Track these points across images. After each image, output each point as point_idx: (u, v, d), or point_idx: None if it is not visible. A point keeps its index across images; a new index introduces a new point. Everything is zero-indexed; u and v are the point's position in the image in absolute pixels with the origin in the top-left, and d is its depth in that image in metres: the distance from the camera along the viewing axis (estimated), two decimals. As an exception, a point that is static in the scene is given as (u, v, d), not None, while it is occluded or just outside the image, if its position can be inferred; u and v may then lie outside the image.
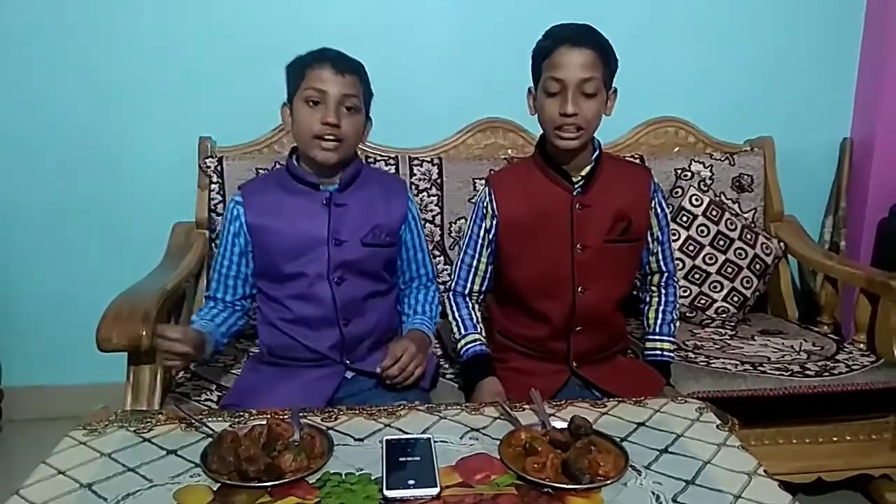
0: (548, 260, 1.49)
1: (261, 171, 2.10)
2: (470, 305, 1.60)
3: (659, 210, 1.56)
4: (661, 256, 1.60)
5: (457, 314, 1.59)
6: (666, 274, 1.62)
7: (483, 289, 1.61)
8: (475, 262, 1.57)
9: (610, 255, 1.49)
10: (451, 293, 1.62)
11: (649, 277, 1.64)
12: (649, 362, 1.59)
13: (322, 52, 1.45)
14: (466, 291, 1.60)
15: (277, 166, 2.14)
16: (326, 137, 1.42)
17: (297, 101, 1.44)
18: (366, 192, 1.53)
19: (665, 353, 1.60)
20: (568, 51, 1.37)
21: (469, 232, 1.58)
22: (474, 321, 1.58)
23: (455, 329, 1.58)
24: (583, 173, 1.47)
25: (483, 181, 2.21)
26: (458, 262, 1.60)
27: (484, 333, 1.59)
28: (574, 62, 1.36)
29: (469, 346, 1.54)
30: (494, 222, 1.53)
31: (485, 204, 1.54)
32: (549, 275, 1.49)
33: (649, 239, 1.57)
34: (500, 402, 1.25)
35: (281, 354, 1.53)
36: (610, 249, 1.49)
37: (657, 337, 1.61)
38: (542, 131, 1.49)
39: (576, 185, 1.47)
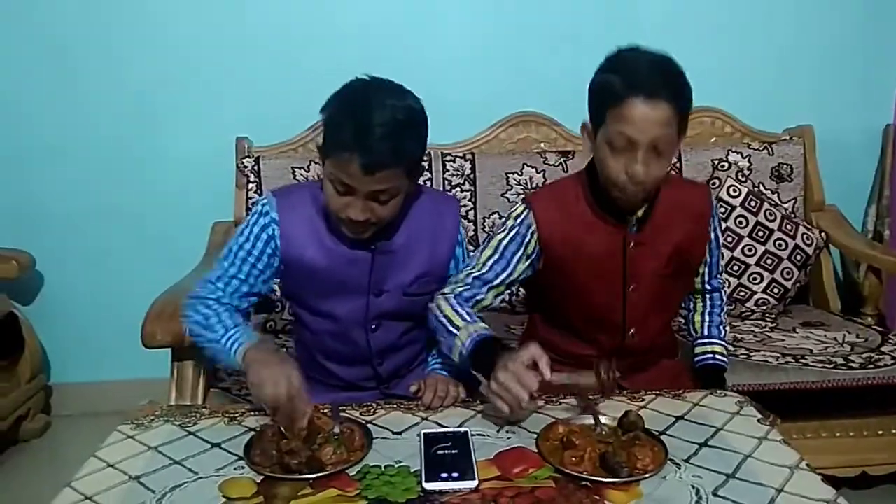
0: (597, 300, 1.35)
1: (297, 169, 2.13)
2: (472, 312, 1.30)
3: (713, 234, 1.42)
4: (706, 277, 1.48)
5: (458, 311, 1.28)
6: (710, 289, 1.51)
7: (491, 306, 1.37)
8: (497, 281, 1.33)
9: (663, 290, 1.37)
10: (454, 296, 1.31)
11: (691, 294, 1.52)
12: (701, 368, 1.48)
13: (354, 137, 1.12)
14: (474, 299, 1.33)
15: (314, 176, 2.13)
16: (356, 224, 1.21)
17: (324, 175, 1.20)
18: (415, 229, 1.31)
19: (717, 356, 1.48)
20: (642, 104, 1.16)
21: (500, 247, 1.33)
22: (477, 318, 1.29)
23: (452, 322, 1.26)
24: (638, 214, 1.31)
25: (518, 187, 2.15)
26: (477, 274, 1.33)
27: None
28: (648, 119, 1.17)
29: (478, 332, 1.23)
30: (537, 252, 1.34)
31: (526, 232, 1.33)
32: (598, 313, 1.37)
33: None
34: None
35: (316, 377, 1.40)
36: (663, 284, 1.36)
37: (706, 340, 1.50)
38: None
39: (630, 223, 1.31)
